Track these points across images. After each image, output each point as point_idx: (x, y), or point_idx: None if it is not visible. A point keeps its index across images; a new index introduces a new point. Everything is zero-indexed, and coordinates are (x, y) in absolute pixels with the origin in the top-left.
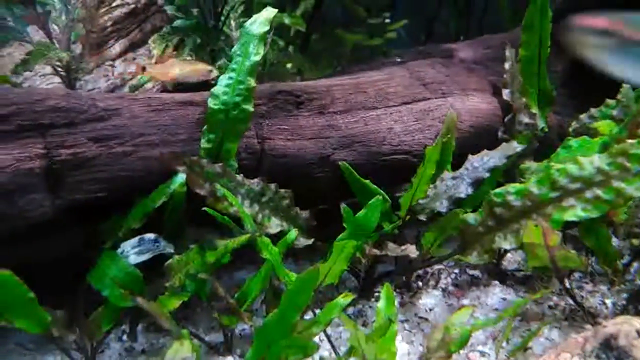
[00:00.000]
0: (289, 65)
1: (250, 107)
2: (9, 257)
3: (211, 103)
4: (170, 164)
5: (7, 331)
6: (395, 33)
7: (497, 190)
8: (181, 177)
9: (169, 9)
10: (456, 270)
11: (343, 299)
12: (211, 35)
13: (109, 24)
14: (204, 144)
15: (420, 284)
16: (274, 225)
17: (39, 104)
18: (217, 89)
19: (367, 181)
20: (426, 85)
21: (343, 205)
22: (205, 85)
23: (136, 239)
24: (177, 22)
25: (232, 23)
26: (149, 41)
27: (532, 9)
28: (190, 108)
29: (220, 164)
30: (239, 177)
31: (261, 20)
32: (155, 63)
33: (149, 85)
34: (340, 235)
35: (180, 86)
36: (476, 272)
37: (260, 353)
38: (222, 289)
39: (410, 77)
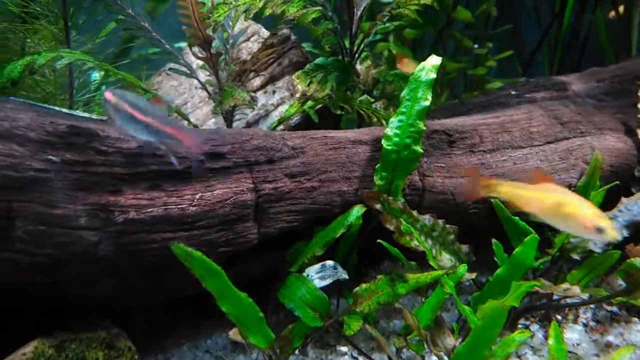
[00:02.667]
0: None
1: (419, 149)
2: (229, 277)
3: (385, 144)
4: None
5: (199, 339)
6: (495, 62)
7: None
8: (357, 211)
9: (306, 46)
10: (592, 306)
11: (519, 336)
12: (348, 71)
13: (248, 57)
14: (377, 180)
15: (559, 317)
16: (446, 259)
17: (247, 144)
18: (389, 131)
19: (517, 218)
20: (564, 124)
21: (494, 241)
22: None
23: (319, 265)
24: (319, 60)
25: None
26: (293, 77)
27: None
28: (361, 147)
29: (402, 201)
30: (415, 213)
31: (429, 68)
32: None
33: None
34: (498, 270)
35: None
36: (614, 309)
37: None
38: (413, 318)
39: (548, 116)
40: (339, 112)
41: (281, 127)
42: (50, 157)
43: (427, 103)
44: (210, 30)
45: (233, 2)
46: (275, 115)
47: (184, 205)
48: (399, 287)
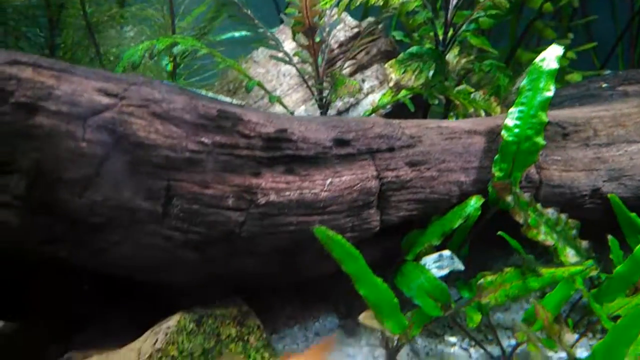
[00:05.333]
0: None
1: (541, 140)
2: None
3: (505, 135)
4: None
5: (306, 320)
6: (574, 54)
7: None
8: (475, 202)
9: (397, 35)
10: None
11: None
12: (443, 61)
13: (335, 46)
14: (496, 172)
15: None
16: (571, 255)
17: (369, 131)
18: (509, 122)
19: (634, 214)
20: None
21: (611, 237)
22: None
23: (436, 254)
24: (414, 49)
25: None
26: (386, 65)
27: None
28: (476, 137)
29: (529, 194)
30: (539, 206)
31: (551, 58)
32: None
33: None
34: (618, 268)
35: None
36: None
37: None
38: (546, 314)
39: None
40: (436, 102)
41: (374, 115)
42: (203, 139)
43: (550, 94)
44: (316, 18)
45: None
46: (366, 104)
47: (316, 190)
48: (531, 281)
